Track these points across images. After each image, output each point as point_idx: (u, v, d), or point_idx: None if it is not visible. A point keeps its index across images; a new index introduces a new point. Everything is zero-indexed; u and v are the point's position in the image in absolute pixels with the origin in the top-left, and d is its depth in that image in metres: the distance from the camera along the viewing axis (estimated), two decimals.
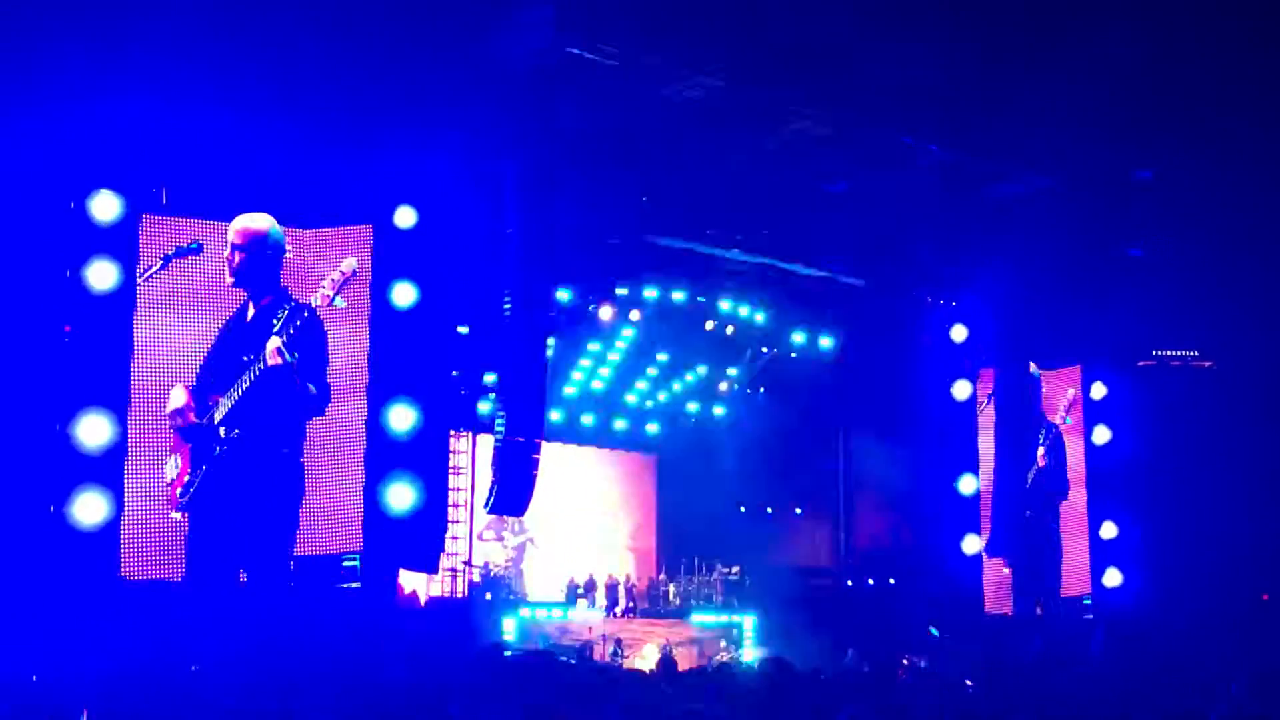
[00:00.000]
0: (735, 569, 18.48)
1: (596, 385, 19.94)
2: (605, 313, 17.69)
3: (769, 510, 20.82)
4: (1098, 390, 18.46)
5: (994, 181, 14.85)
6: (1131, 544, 17.77)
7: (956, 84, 12.48)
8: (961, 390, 17.50)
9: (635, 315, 18.28)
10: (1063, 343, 18.03)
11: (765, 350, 20.05)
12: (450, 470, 17.10)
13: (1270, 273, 15.84)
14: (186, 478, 11.02)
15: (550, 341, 15.68)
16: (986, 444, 17.42)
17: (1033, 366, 17.60)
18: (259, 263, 11.21)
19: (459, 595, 17.39)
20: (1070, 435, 18.03)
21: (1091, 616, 17.57)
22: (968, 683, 14.42)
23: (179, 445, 11.26)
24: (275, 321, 10.80)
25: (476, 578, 17.82)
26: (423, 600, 16.64)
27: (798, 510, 20.92)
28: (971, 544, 17.21)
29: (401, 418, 12.88)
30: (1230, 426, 17.61)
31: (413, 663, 11.23)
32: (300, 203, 12.53)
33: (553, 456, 17.31)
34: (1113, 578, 17.83)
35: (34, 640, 10.45)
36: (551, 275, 13.86)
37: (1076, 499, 18.03)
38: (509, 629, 16.20)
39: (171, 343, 11.85)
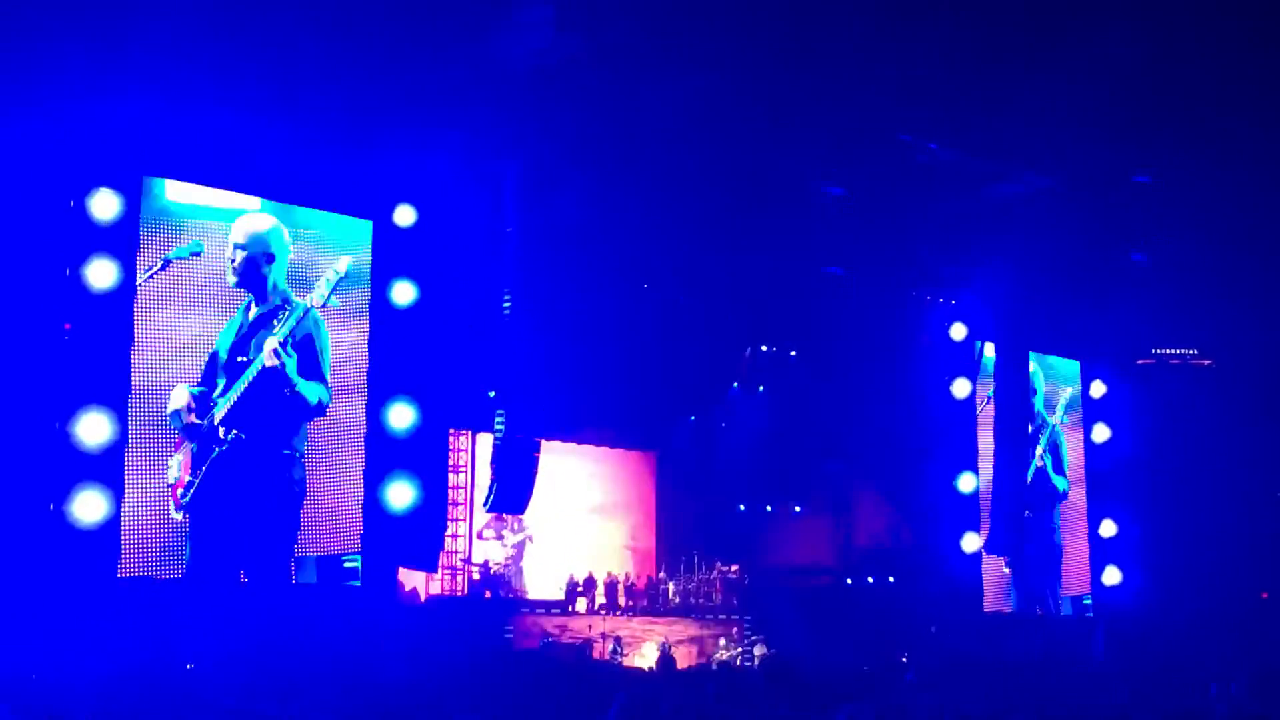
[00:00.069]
0: (734, 567, 18.48)
1: (596, 384, 19.92)
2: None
3: (768, 509, 20.84)
4: (1097, 389, 18.50)
5: (994, 181, 14.84)
6: (1131, 542, 17.80)
7: (956, 83, 12.47)
8: (961, 388, 17.52)
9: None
10: (1062, 341, 18.06)
11: (765, 349, 20.06)
12: (450, 468, 17.14)
13: (1269, 271, 15.85)
14: (188, 478, 11.02)
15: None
16: (986, 442, 17.45)
17: (1033, 366, 17.63)
18: (261, 263, 11.22)
19: (459, 594, 17.39)
20: (1068, 434, 18.06)
21: (1091, 615, 17.62)
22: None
23: (181, 445, 11.26)
24: (276, 322, 10.80)
25: (476, 576, 17.82)
26: (422, 599, 16.66)
27: (797, 509, 20.92)
28: (971, 542, 17.23)
29: (401, 416, 12.91)
30: (1229, 425, 17.64)
31: (413, 661, 11.26)
32: (301, 202, 12.54)
33: (552, 454, 17.33)
34: (1112, 576, 17.86)
35: (33, 639, 10.45)
36: (551, 273, 13.89)
37: (1076, 497, 18.06)
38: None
39: (172, 342, 11.86)
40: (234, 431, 10.97)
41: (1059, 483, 17.87)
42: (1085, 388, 18.53)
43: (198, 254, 11.70)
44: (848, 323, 18.42)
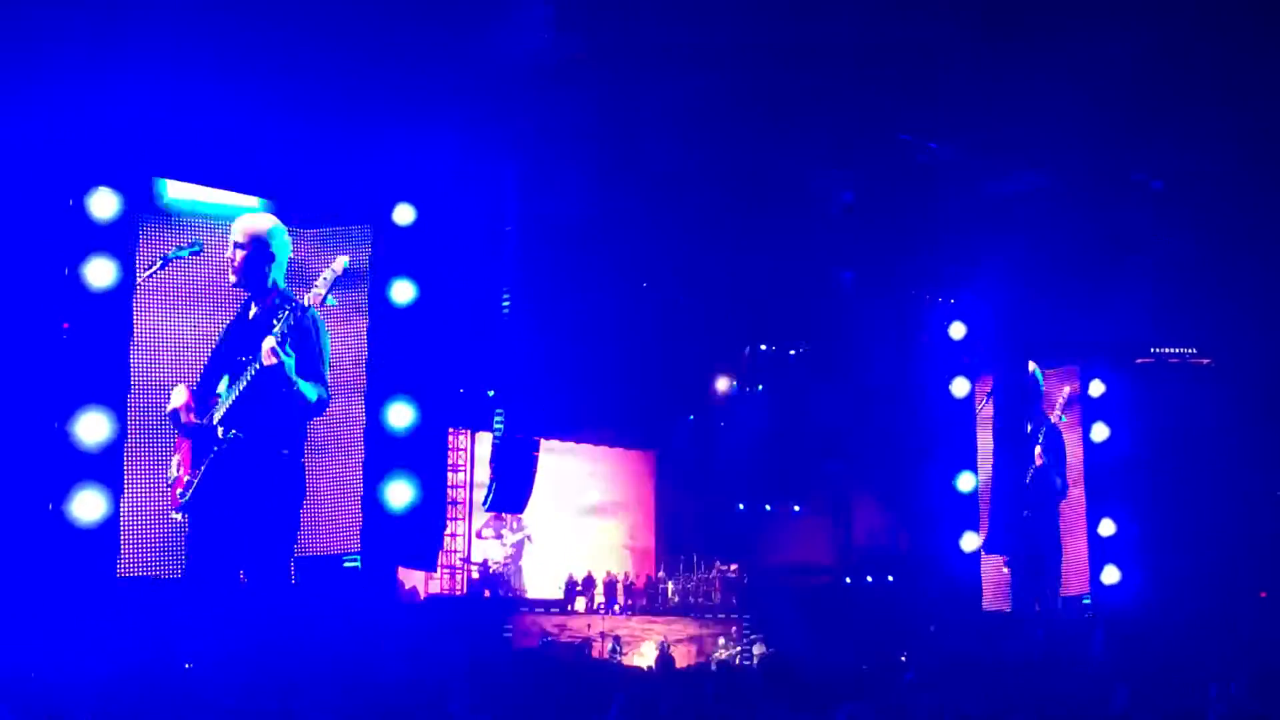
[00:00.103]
0: (734, 567, 18.48)
1: (595, 383, 19.91)
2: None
3: (767, 508, 20.84)
4: (1096, 388, 18.49)
5: (994, 179, 14.84)
6: (1130, 541, 17.80)
7: (955, 81, 12.47)
8: (960, 387, 17.52)
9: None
10: (1061, 340, 18.05)
11: (764, 347, 20.06)
12: (449, 468, 17.14)
13: (1269, 270, 15.85)
14: (186, 477, 11.00)
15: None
16: (985, 441, 17.45)
17: (1031, 365, 17.63)
18: (261, 262, 11.16)
19: (458, 593, 17.39)
20: (1067, 433, 18.05)
21: (1091, 615, 17.61)
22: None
23: (180, 445, 11.24)
24: (276, 321, 10.76)
25: (475, 575, 17.82)
26: (421, 598, 16.66)
27: (796, 508, 20.93)
28: (970, 541, 17.23)
29: (400, 415, 12.91)
30: (1229, 424, 17.63)
31: (412, 660, 11.25)
32: (299, 201, 12.53)
33: (551, 454, 17.33)
34: (1111, 575, 17.85)
35: (32, 638, 10.44)
36: (551, 272, 13.90)
37: (1075, 497, 18.05)
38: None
39: (171, 342, 11.86)
40: (232, 431, 10.93)
41: (1058, 482, 17.86)
42: (1084, 387, 18.53)
43: (197, 253, 11.67)
44: (847, 322, 18.42)
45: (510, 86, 12.29)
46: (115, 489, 11.41)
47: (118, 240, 11.63)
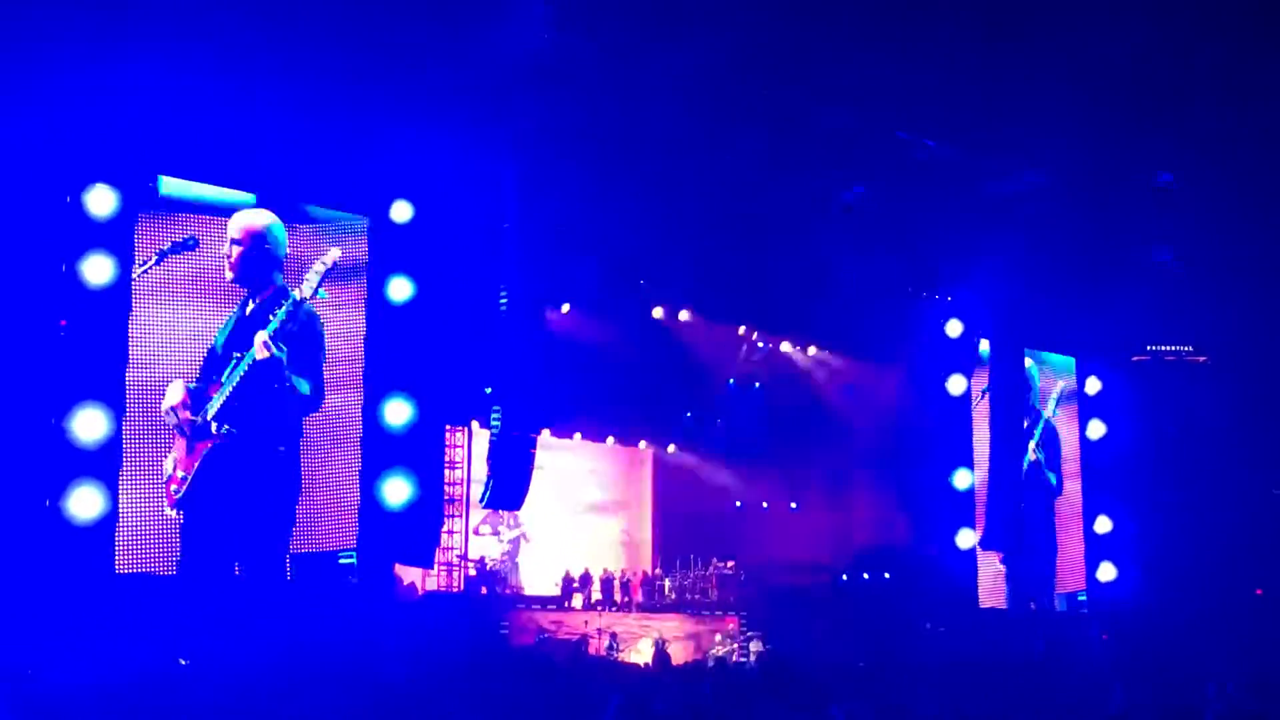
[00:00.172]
0: (731, 564, 18.49)
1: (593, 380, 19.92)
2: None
3: (764, 505, 20.87)
4: (1092, 385, 18.52)
5: (991, 177, 14.85)
6: (1126, 538, 17.82)
7: (954, 79, 12.47)
8: (956, 385, 17.53)
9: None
10: (1058, 338, 18.07)
11: (761, 345, 20.08)
12: (446, 464, 17.12)
13: (1265, 268, 15.87)
14: (181, 474, 10.98)
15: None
16: (981, 438, 17.46)
17: (1029, 362, 17.64)
18: (257, 259, 11.15)
19: (455, 590, 17.39)
20: (1062, 429, 18.07)
21: (1085, 611, 17.64)
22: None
23: (176, 441, 11.23)
24: (272, 317, 10.75)
25: (472, 572, 17.82)
26: (419, 595, 16.65)
27: (793, 505, 20.95)
28: (966, 538, 17.25)
29: (397, 412, 12.90)
30: (1225, 421, 17.67)
31: (409, 657, 11.24)
32: (297, 197, 12.52)
33: (549, 451, 17.33)
34: (1107, 572, 17.88)
35: (30, 635, 10.43)
36: (548, 269, 13.89)
37: (1071, 494, 18.08)
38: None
39: (168, 338, 11.83)
40: (225, 426, 10.91)
41: (1053, 478, 17.88)
42: (1080, 384, 18.55)
43: (193, 248, 11.66)
44: (844, 319, 18.44)
45: (509, 83, 12.28)
46: (112, 486, 11.39)
47: (116, 237, 11.60)
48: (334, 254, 10.97)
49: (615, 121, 13.21)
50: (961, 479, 17.35)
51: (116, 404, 11.47)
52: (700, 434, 20.85)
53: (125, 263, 11.62)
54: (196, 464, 10.93)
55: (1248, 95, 12.47)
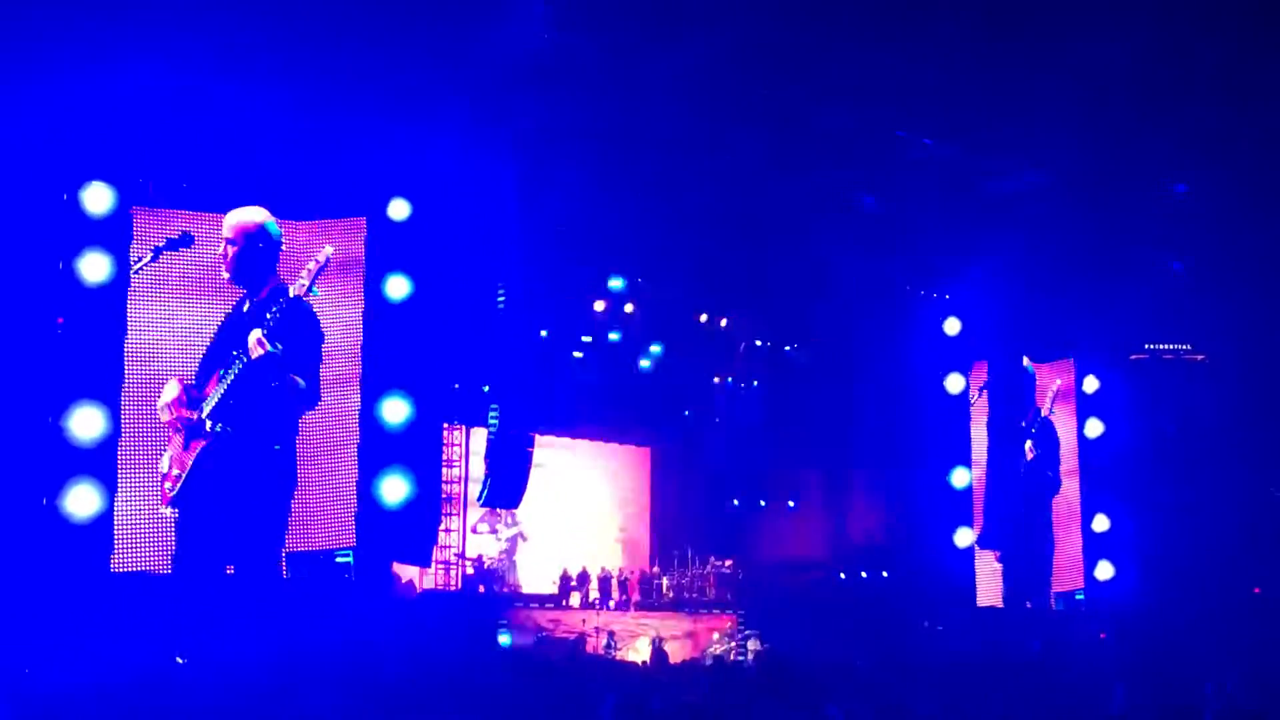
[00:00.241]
0: (728, 562, 18.49)
1: (590, 378, 19.91)
2: (599, 305, 17.73)
3: (762, 503, 20.87)
4: (1090, 383, 18.50)
5: (989, 176, 14.84)
6: (1124, 537, 17.81)
7: (953, 78, 12.46)
8: (954, 383, 17.52)
9: (629, 308, 18.29)
10: (1055, 336, 18.05)
11: (760, 344, 20.07)
12: (444, 463, 17.11)
13: (1265, 267, 15.86)
14: (176, 471, 10.94)
15: (544, 334, 15.67)
16: (979, 437, 17.45)
17: (1026, 360, 17.63)
18: (252, 257, 11.06)
19: (452, 589, 17.38)
20: (1058, 427, 18.05)
21: (1083, 610, 17.63)
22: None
23: (172, 439, 11.20)
24: (268, 315, 10.71)
25: (470, 571, 17.81)
26: (416, 593, 16.64)
27: (791, 503, 20.95)
28: (964, 537, 17.24)
29: (395, 411, 12.89)
30: (1223, 420, 17.65)
31: (406, 656, 11.23)
32: (294, 195, 12.48)
33: (546, 449, 17.33)
34: (1105, 571, 17.87)
35: (26, 634, 10.42)
36: (546, 268, 13.88)
37: (1069, 492, 18.06)
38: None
39: (164, 335, 11.81)
40: (219, 425, 10.87)
41: (1050, 477, 17.86)
42: (1078, 382, 18.53)
43: (188, 245, 11.61)
44: (842, 317, 18.43)
45: (507, 82, 12.26)
46: (109, 484, 11.37)
47: (112, 234, 11.58)
48: (326, 251, 10.91)
49: (615, 121, 13.20)
50: (959, 477, 17.34)
51: (113, 402, 11.45)
52: (698, 432, 20.85)
53: (122, 260, 11.60)
54: (191, 461, 10.89)
55: (1248, 95, 12.45)
